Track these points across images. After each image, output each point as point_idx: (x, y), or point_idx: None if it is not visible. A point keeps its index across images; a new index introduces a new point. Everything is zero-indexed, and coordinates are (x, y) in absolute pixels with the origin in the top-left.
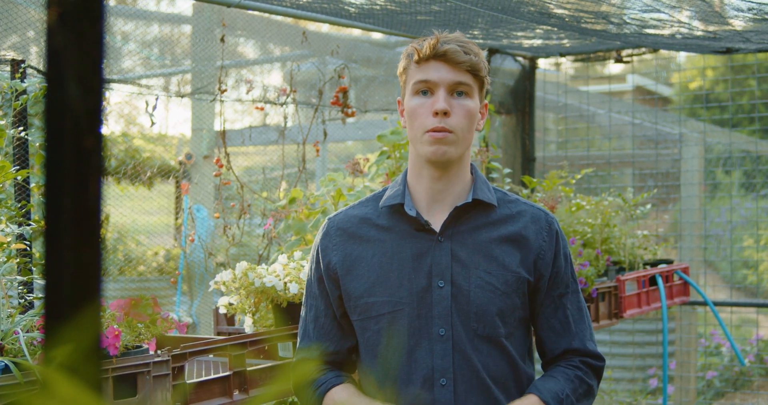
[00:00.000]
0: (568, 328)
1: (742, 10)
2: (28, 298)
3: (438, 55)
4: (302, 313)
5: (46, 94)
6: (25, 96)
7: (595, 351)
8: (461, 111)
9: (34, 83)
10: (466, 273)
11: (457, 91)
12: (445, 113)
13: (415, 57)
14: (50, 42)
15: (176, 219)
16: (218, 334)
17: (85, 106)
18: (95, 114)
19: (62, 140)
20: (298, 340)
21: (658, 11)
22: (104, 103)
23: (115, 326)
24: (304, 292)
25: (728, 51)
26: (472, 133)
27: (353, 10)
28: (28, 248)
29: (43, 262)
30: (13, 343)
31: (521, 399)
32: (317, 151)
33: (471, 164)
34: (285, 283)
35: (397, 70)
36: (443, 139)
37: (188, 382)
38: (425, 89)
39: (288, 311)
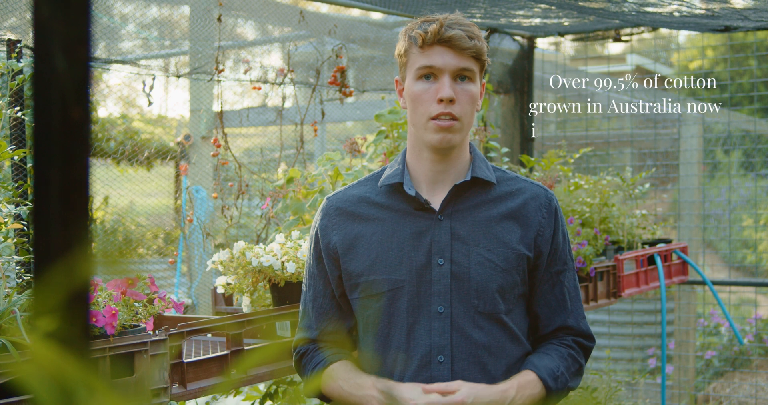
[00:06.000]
0: (564, 305)
1: None
2: (25, 277)
3: (443, 41)
4: (302, 292)
5: (34, 67)
6: (21, 76)
7: (588, 331)
8: (465, 97)
9: (31, 63)
10: (467, 250)
11: (460, 76)
12: (451, 100)
13: (419, 42)
14: (37, 14)
15: (175, 200)
16: (216, 313)
17: (72, 78)
18: (83, 86)
19: (50, 112)
20: (299, 319)
21: None
22: (96, 78)
23: (112, 305)
24: (304, 271)
25: (726, 29)
26: (474, 116)
27: None
28: (25, 228)
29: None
30: (10, 323)
31: (518, 375)
32: (315, 131)
33: (470, 143)
34: (282, 263)
35: (395, 50)
36: (449, 128)
37: (186, 361)
38: (429, 74)
39: (286, 290)
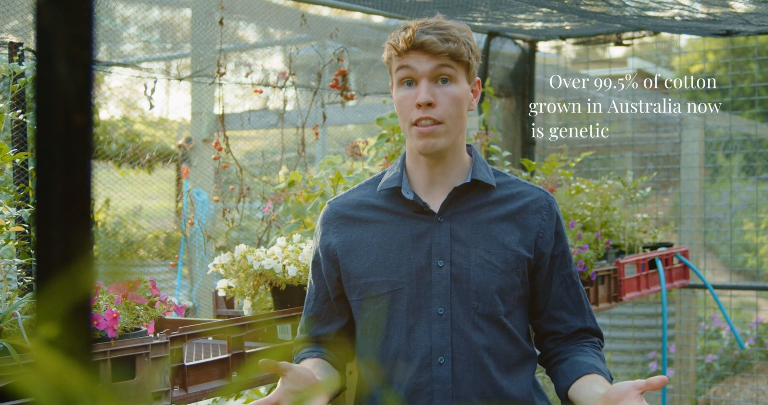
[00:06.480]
0: (581, 306)
1: None
2: (26, 280)
3: (416, 47)
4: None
5: (36, 71)
6: (23, 79)
7: (601, 330)
8: (447, 99)
9: (32, 66)
10: (466, 252)
11: (441, 78)
12: (429, 104)
13: (394, 51)
14: (39, 18)
15: (177, 203)
16: (217, 317)
17: (74, 83)
18: (85, 90)
19: (52, 117)
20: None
21: None
22: (97, 81)
23: (113, 308)
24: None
25: (728, 33)
26: (463, 117)
27: None
28: (26, 231)
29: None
30: (11, 326)
31: (599, 380)
32: (317, 134)
33: (469, 145)
34: (284, 266)
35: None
36: (431, 133)
37: (187, 364)
38: (409, 80)
39: (287, 294)
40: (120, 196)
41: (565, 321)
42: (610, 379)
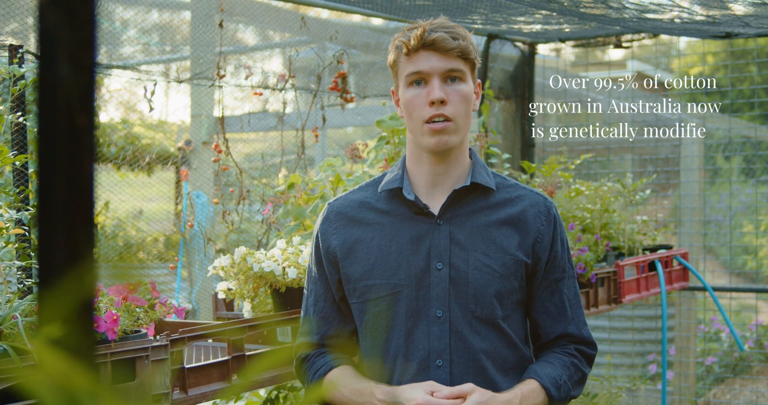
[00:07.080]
0: (563, 312)
1: None
2: (26, 283)
3: (426, 45)
4: (304, 297)
5: (38, 73)
6: (23, 81)
7: (590, 338)
8: (457, 97)
9: (32, 69)
10: (465, 255)
11: (450, 77)
12: (442, 102)
13: (404, 50)
14: (42, 21)
15: (176, 205)
16: (217, 319)
17: (77, 85)
18: (88, 93)
19: (55, 119)
20: (300, 324)
21: None
22: (98, 84)
23: (113, 311)
24: (306, 277)
25: (727, 36)
26: (470, 116)
27: None
28: (26, 233)
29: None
30: (11, 328)
31: (521, 384)
32: (316, 136)
33: (470, 148)
34: (283, 268)
35: (387, 60)
36: (444, 130)
37: (187, 366)
38: (419, 79)
39: (286, 296)
40: (119, 198)
41: (545, 327)
42: (554, 384)
